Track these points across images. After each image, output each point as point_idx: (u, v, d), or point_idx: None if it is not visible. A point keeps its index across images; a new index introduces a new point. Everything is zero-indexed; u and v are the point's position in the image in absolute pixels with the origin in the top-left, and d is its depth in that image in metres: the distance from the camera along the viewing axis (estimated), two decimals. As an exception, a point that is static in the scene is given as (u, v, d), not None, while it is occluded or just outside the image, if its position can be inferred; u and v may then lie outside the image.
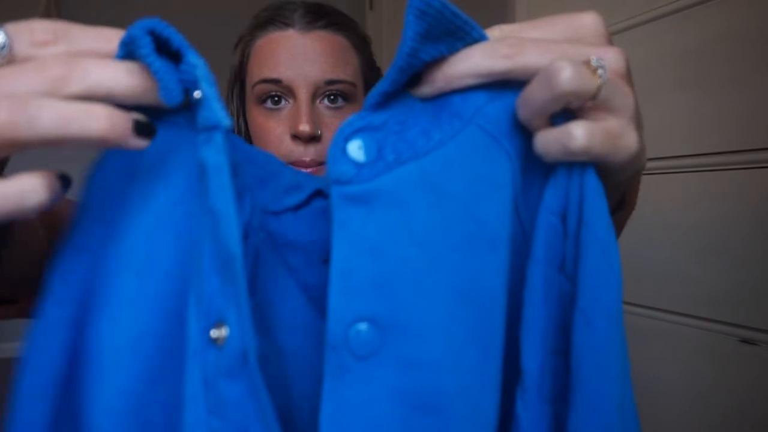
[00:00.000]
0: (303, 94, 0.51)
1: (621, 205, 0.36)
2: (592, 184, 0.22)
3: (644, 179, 0.74)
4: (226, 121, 0.22)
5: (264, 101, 0.53)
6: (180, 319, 0.23)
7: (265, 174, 0.29)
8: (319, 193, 0.29)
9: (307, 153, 0.51)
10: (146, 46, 0.22)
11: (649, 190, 0.74)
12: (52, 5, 2.47)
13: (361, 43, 0.57)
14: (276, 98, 0.53)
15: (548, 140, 0.23)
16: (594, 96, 0.22)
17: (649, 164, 0.74)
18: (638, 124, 0.24)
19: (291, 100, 0.53)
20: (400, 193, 0.23)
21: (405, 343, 0.22)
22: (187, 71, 0.23)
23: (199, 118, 0.23)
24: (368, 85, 0.58)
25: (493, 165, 0.23)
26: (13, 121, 0.19)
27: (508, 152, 0.24)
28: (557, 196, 0.23)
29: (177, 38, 0.23)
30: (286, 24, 0.53)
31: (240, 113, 0.58)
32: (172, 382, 0.23)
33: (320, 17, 0.54)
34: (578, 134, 0.22)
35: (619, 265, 0.22)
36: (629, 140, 0.23)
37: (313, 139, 0.51)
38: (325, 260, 0.26)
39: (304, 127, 0.49)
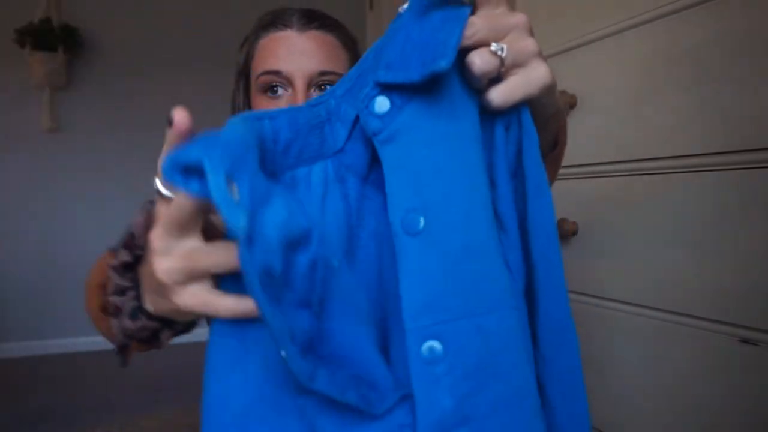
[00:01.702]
0: (300, 84, 0.61)
1: (555, 145, 0.50)
2: (527, 114, 0.34)
3: (644, 179, 0.74)
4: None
5: (266, 90, 0.63)
6: None
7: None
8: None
9: None
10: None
11: (650, 190, 0.74)
12: (52, 5, 2.47)
13: (349, 42, 0.67)
14: (276, 88, 0.63)
15: (483, 101, 0.33)
16: (501, 67, 0.32)
17: (650, 164, 0.74)
18: (543, 58, 0.35)
19: (289, 89, 0.62)
20: (411, 124, 0.32)
21: (441, 219, 0.31)
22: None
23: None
24: None
25: (464, 91, 0.33)
26: (196, 304, 0.31)
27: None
28: (504, 118, 0.34)
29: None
30: (285, 25, 0.63)
31: (245, 103, 0.68)
32: None
33: (314, 20, 0.64)
34: (493, 96, 0.33)
35: (540, 157, 0.34)
36: (539, 75, 0.33)
37: None
38: (365, 177, 0.36)
39: None
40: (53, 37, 2.39)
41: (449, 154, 0.32)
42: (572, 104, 0.85)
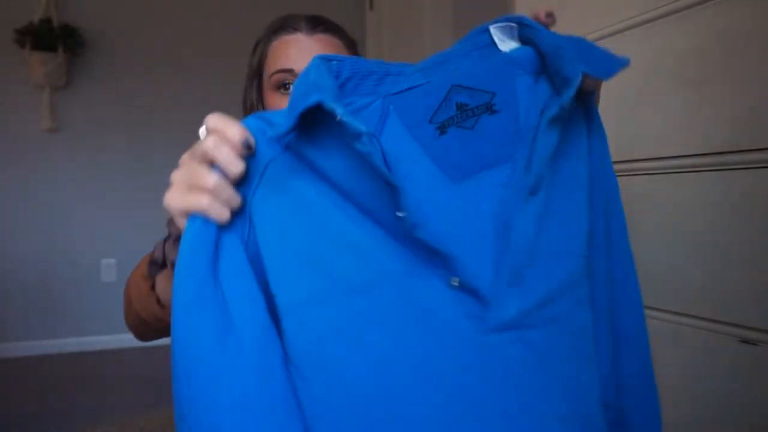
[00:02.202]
0: None
1: None
2: (593, 102, 0.44)
3: (644, 179, 0.74)
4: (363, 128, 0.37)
5: (279, 87, 0.70)
6: None
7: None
8: None
9: None
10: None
11: (649, 190, 0.74)
12: (52, 5, 2.47)
13: (351, 44, 0.76)
14: (288, 85, 0.70)
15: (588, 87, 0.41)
16: None
17: (649, 164, 0.74)
18: None
19: None
20: (572, 110, 0.41)
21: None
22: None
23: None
24: None
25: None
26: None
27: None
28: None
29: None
30: (295, 29, 0.71)
31: (258, 100, 0.75)
32: None
33: (319, 24, 0.72)
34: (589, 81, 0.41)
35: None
36: None
37: None
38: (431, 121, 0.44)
39: None
40: (53, 37, 2.39)
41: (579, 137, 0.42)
42: (572, 104, 0.85)
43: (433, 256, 0.39)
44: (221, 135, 0.39)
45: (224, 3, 2.80)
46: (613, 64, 0.38)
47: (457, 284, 0.39)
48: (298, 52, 0.69)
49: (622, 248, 0.46)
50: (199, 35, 2.76)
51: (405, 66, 0.44)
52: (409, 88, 0.42)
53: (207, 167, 0.38)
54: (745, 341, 0.62)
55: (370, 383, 0.38)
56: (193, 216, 0.38)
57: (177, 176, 0.40)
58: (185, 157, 0.41)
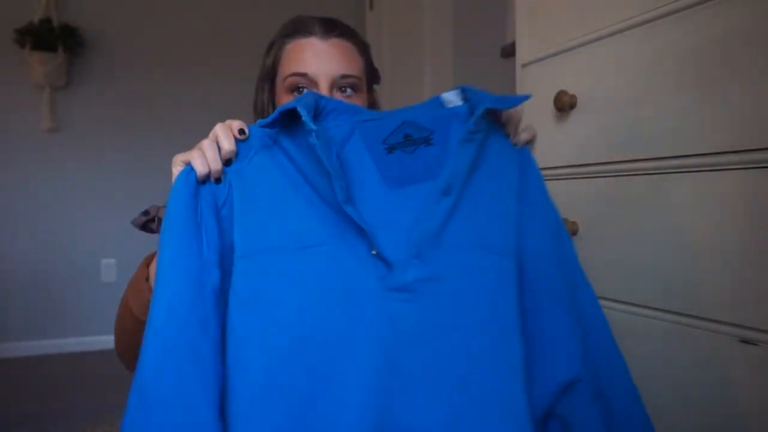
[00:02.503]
0: (324, 85, 0.69)
1: None
2: (528, 151, 0.61)
3: (643, 179, 0.74)
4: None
5: (293, 91, 0.71)
6: None
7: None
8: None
9: None
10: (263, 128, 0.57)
11: (649, 191, 0.74)
12: (52, 5, 2.47)
13: (364, 48, 0.76)
14: (301, 88, 0.70)
15: (521, 139, 0.59)
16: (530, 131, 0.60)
17: (649, 164, 0.74)
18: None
19: (314, 90, 0.69)
20: (488, 135, 0.59)
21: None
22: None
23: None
24: (369, 81, 0.77)
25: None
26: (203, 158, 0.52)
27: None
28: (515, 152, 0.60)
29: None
30: (310, 33, 0.71)
31: (269, 101, 0.76)
32: None
33: (334, 28, 0.72)
34: (523, 137, 0.59)
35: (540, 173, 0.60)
36: (534, 130, 0.61)
37: None
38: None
39: None
40: (53, 37, 2.39)
41: (501, 158, 0.58)
42: (572, 104, 0.85)
43: (360, 231, 0.51)
44: (228, 124, 0.54)
45: (224, 3, 2.80)
46: (516, 100, 0.56)
47: (375, 253, 0.51)
48: (313, 56, 0.69)
49: (572, 257, 0.60)
50: (199, 35, 2.76)
51: (376, 111, 0.59)
52: (373, 119, 0.58)
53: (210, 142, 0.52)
54: (745, 341, 0.62)
55: (301, 316, 0.50)
56: (187, 166, 0.51)
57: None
58: None
